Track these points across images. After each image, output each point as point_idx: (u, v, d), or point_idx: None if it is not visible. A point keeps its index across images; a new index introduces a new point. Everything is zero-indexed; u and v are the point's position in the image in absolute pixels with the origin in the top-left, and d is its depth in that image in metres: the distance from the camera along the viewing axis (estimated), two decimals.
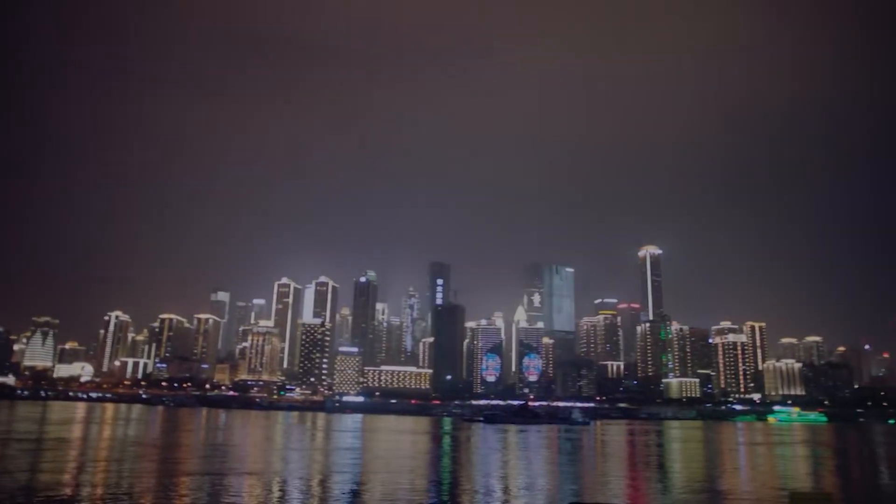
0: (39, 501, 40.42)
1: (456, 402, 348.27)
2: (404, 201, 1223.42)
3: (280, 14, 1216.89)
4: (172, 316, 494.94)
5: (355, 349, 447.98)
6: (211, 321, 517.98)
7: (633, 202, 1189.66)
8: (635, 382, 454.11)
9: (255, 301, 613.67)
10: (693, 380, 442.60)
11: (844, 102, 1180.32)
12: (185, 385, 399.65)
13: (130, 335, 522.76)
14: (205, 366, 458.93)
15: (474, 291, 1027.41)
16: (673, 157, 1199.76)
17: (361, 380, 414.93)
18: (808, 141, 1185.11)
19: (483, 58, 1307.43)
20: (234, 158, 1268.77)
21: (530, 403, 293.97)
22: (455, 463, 77.46)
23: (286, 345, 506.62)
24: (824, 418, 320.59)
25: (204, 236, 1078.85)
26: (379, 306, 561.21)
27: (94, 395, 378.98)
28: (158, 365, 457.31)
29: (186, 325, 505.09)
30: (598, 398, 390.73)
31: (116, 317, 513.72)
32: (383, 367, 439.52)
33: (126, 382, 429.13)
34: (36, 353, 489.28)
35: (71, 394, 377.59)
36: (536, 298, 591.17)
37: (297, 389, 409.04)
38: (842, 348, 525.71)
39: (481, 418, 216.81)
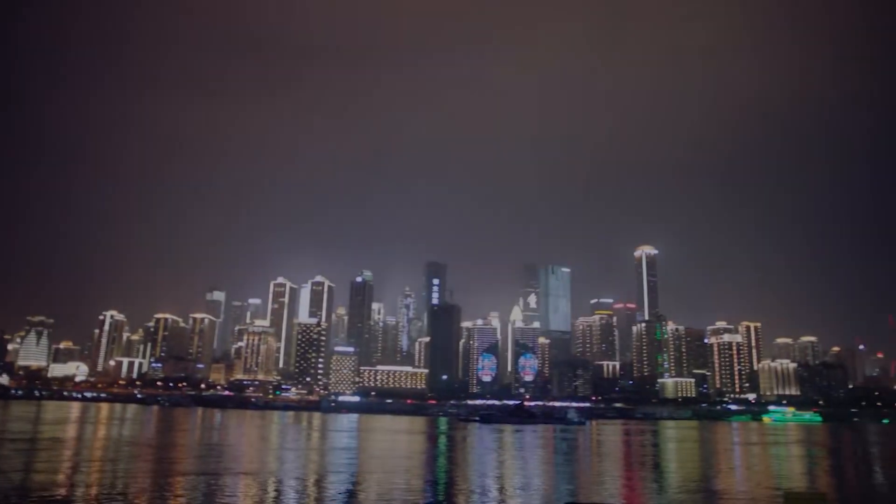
0: (34, 502, 40.26)
1: (452, 402, 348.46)
2: (401, 201, 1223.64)
3: (279, 14, 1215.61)
4: (168, 315, 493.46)
5: (351, 349, 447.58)
6: (206, 321, 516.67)
7: (629, 202, 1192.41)
8: (631, 382, 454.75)
9: (251, 300, 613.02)
10: (689, 380, 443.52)
11: (844, 102, 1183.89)
12: (180, 385, 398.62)
13: (125, 335, 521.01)
14: (200, 365, 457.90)
15: (470, 291, 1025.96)
16: (670, 158, 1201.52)
17: (357, 379, 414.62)
18: (807, 141, 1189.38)
19: (481, 57, 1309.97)
20: (230, 158, 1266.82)
21: (526, 403, 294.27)
22: (451, 463, 77.47)
23: (282, 344, 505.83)
24: (819, 418, 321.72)
25: (200, 236, 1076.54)
26: (375, 306, 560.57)
27: (88, 394, 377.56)
28: (153, 364, 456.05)
29: (182, 324, 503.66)
30: (593, 398, 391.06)
31: (111, 316, 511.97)
32: (379, 367, 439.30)
33: (121, 382, 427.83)
34: (30, 352, 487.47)
35: (65, 393, 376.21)
36: (532, 300, 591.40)
37: (293, 389, 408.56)
38: (836, 348, 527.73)
39: (477, 418, 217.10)
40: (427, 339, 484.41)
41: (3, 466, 56.94)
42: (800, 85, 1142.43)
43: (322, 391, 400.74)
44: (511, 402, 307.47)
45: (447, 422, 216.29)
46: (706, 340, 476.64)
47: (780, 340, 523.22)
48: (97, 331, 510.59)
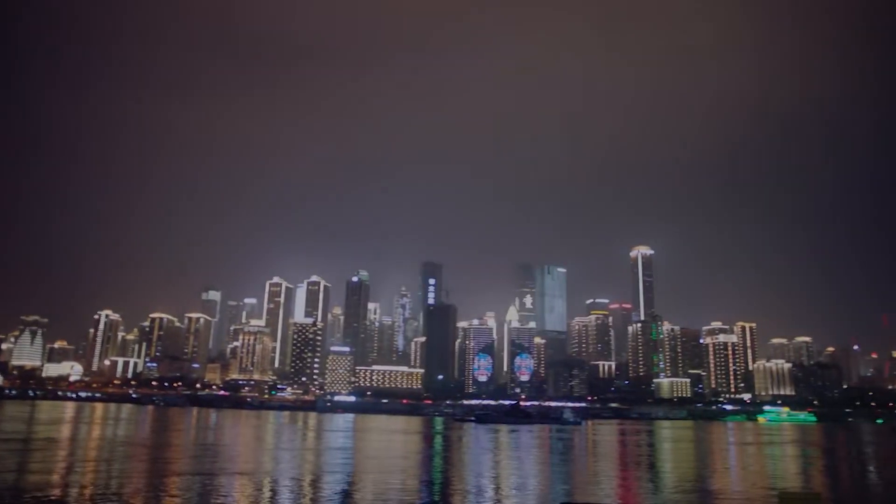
0: (28, 502, 40.08)
1: (447, 402, 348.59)
2: (397, 201, 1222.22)
3: (278, 14, 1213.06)
4: (163, 315, 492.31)
5: (347, 349, 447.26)
6: (202, 320, 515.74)
7: (625, 202, 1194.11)
8: (626, 382, 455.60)
9: (247, 300, 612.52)
10: (684, 380, 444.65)
11: (844, 102, 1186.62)
12: (175, 384, 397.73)
13: (120, 334, 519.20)
14: (195, 365, 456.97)
15: (466, 291, 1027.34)
16: (667, 158, 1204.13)
17: (353, 379, 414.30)
18: (805, 142, 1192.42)
19: (481, 57, 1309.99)
20: (226, 157, 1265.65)
21: (522, 403, 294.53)
22: (446, 463, 77.46)
23: (277, 344, 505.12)
24: (813, 418, 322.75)
25: (195, 235, 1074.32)
26: (371, 306, 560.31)
27: (83, 394, 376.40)
28: (149, 364, 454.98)
29: (177, 324, 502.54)
30: (589, 398, 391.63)
31: (106, 316, 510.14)
32: (375, 367, 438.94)
33: (116, 382, 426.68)
34: (24, 352, 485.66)
35: (60, 393, 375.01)
36: (529, 301, 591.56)
37: (289, 389, 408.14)
38: (831, 349, 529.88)
39: (473, 418, 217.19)
40: (423, 338, 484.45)
41: None
42: (800, 85, 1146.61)
43: (318, 391, 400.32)
44: (507, 402, 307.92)
45: (443, 422, 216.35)
46: (701, 340, 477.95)
47: (775, 341, 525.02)
48: (92, 330, 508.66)
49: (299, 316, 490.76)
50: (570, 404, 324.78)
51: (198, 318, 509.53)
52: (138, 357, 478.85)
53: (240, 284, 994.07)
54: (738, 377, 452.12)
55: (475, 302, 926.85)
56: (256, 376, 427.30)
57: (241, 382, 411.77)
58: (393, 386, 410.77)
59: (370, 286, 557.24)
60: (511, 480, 60.32)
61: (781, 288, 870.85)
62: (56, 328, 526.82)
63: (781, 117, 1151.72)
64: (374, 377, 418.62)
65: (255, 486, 50.71)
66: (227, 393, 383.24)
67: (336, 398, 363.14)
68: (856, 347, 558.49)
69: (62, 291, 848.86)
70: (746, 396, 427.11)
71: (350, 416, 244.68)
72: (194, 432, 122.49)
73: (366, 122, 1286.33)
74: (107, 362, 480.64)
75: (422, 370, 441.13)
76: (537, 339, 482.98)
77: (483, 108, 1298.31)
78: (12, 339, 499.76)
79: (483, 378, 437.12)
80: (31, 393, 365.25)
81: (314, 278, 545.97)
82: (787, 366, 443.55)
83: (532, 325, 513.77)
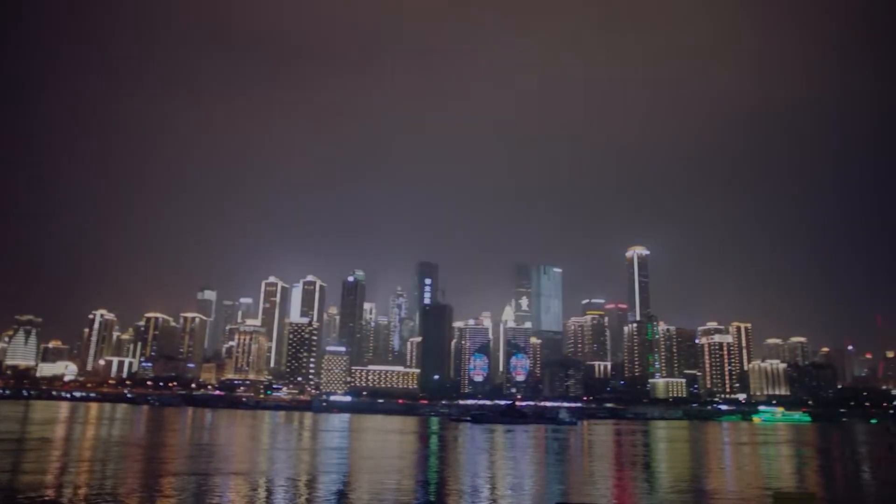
0: (21, 503, 39.89)
1: (443, 402, 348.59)
2: (393, 201, 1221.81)
3: (277, 13, 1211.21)
4: (158, 314, 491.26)
5: (343, 349, 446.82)
6: (197, 320, 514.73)
7: (620, 203, 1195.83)
8: (622, 382, 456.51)
9: (242, 300, 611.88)
10: (679, 380, 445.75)
11: (845, 102, 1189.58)
12: (170, 384, 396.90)
13: (115, 334, 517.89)
14: (191, 365, 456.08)
15: (462, 291, 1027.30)
16: (665, 158, 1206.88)
17: (349, 379, 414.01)
18: (805, 142, 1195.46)
19: (481, 57, 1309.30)
20: (222, 157, 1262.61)
21: (518, 403, 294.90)
22: (442, 463, 77.43)
23: (273, 344, 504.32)
24: (808, 418, 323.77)
25: (191, 234, 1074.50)
26: (366, 306, 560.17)
27: (77, 394, 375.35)
28: (144, 364, 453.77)
29: (172, 323, 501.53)
30: (585, 398, 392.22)
31: (101, 315, 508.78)
32: (371, 367, 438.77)
33: (111, 382, 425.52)
34: (18, 351, 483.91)
35: (54, 393, 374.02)
36: (525, 303, 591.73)
37: (284, 389, 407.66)
38: (826, 349, 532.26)
39: (468, 418, 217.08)
40: (419, 338, 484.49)
41: None
42: (800, 85, 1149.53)
43: (313, 391, 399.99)
44: (502, 402, 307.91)
45: (438, 422, 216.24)
46: (697, 341, 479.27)
47: (770, 341, 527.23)
48: (87, 330, 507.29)
49: (295, 316, 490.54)
50: (565, 404, 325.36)
51: (193, 318, 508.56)
52: (133, 357, 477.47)
53: (235, 284, 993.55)
54: (734, 377, 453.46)
55: (471, 302, 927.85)
56: (252, 376, 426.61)
57: (236, 382, 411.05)
58: (389, 386, 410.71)
59: (366, 286, 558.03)
60: (507, 481, 60.33)
61: (777, 288, 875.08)
62: (50, 328, 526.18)
63: (781, 117, 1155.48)
64: (369, 377, 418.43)
65: (251, 486, 50.60)
66: (222, 393, 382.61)
67: (332, 398, 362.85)
68: (850, 348, 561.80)
69: (57, 291, 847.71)
70: (742, 396, 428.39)
71: (346, 416, 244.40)
72: (189, 432, 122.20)
73: (363, 122, 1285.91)
74: (101, 362, 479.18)
75: (418, 370, 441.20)
76: (533, 340, 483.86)
77: (483, 108, 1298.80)
78: (6, 339, 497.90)
79: (479, 378, 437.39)
80: (25, 393, 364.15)
81: (310, 278, 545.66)
82: (782, 366, 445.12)
83: (528, 325, 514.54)
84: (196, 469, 59.49)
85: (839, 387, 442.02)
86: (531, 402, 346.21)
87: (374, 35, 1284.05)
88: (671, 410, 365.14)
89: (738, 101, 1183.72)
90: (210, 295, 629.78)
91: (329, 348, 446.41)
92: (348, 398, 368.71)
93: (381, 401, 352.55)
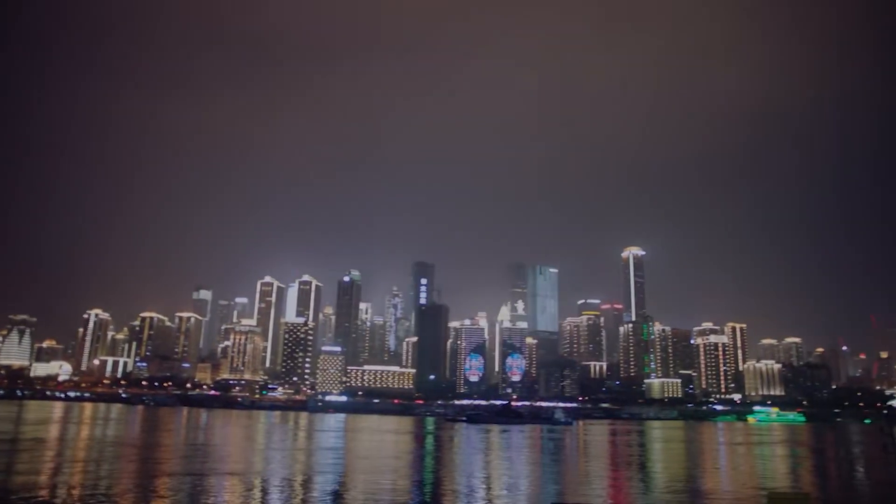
0: (15, 503, 39.73)
1: (439, 402, 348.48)
2: (389, 201, 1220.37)
3: (276, 12, 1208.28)
4: (153, 314, 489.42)
5: (338, 348, 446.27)
6: (193, 320, 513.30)
7: (617, 203, 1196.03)
8: (618, 383, 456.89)
9: (238, 300, 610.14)
10: (675, 380, 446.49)
11: (845, 102, 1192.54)
12: (165, 384, 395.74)
13: (110, 333, 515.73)
14: (186, 365, 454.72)
15: (458, 291, 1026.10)
16: (663, 159, 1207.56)
17: (344, 379, 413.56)
18: (805, 142, 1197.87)
19: (481, 57, 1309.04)
20: (218, 156, 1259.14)
21: (513, 403, 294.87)
22: (438, 463, 77.44)
23: (269, 344, 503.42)
24: (803, 418, 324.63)
25: (186, 234, 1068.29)
26: (362, 306, 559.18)
27: (72, 394, 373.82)
28: (139, 364, 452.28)
29: (168, 323, 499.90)
30: (580, 398, 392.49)
31: (96, 315, 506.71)
32: (366, 367, 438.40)
33: (105, 381, 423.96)
34: (12, 351, 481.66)
35: (48, 393, 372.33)
36: (521, 306, 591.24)
37: (280, 389, 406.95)
38: (820, 349, 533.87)
39: (464, 418, 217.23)
40: (414, 338, 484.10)
41: None
42: (800, 85, 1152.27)
43: (309, 391, 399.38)
44: (498, 403, 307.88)
45: (434, 422, 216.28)
46: (692, 341, 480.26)
47: (764, 341, 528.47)
48: (81, 329, 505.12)
49: (291, 315, 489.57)
50: (561, 404, 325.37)
51: (188, 318, 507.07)
52: (128, 357, 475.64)
53: (231, 284, 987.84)
54: (729, 378, 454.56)
55: (467, 302, 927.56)
56: (247, 376, 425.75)
57: (231, 382, 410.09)
58: (384, 386, 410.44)
59: (362, 286, 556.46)
60: (502, 480, 60.38)
61: (772, 289, 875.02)
62: (45, 327, 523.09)
63: (781, 117, 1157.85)
64: (365, 377, 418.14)
65: (246, 486, 50.52)
66: (217, 393, 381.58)
67: (327, 398, 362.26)
68: (844, 348, 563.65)
69: (51, 290, 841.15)
70: (736, 397, 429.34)
71: (341, 416, 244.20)
72: (184, 432, 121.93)
73: (361, 122, 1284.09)
74: (96, 362, 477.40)
75: (413, 370, 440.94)
76: (529, 340, 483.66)
77: (483, 107, 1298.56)
78: (0, 338, 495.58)
79: (474, 378, 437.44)
80: (19, 393, 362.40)
81: (306, 278, 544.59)
82: (777, 366, 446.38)
83: (524, 325, 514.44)
84: (191, 469, 59.36)
85: (834, 387, 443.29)
86: (527, 403, 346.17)
87: (373, 35, 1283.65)
88: (666, 411, 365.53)
89: (738, 101, 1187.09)
90: (205, 294, 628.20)
91: (325, 348, 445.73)
92: (344, 398, 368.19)
93: (376, 401, 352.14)
